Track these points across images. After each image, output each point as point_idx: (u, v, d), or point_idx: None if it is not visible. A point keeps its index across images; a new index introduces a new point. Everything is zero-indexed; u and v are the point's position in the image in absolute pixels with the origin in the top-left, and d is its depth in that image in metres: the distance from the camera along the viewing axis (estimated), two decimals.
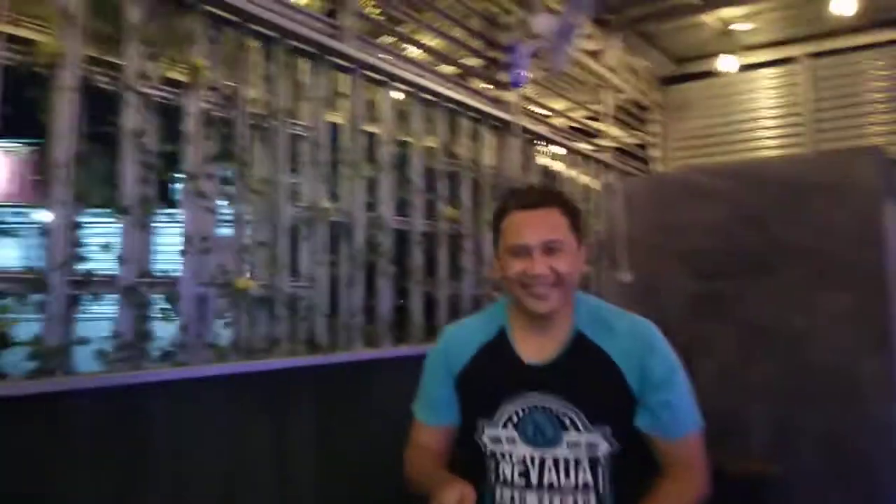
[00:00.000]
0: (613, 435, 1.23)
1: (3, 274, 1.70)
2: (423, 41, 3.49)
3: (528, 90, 3.87)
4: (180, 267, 2.02)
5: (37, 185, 1.74)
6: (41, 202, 1.75)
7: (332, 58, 2.52)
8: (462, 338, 1.38)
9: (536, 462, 1.24)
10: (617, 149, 4.94)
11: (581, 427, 1.23)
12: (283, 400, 2.16)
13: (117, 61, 1.87)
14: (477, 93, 3.42)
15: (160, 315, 1.98)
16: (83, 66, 1.78)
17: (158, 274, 1.97)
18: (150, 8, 1.95)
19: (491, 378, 1.30)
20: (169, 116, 2.00)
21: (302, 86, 2.47)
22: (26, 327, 1.74)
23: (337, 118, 2.64)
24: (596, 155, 4.57)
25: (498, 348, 1.32)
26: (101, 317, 1.90)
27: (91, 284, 1.80)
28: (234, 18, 2.17)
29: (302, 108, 2.45)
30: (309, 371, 2.23)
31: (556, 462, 1.23)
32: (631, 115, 5.31)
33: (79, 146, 1.77)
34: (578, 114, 4.76)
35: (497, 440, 1.28)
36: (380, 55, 2.75)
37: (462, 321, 1.47)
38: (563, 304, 1.26)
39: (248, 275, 2.18)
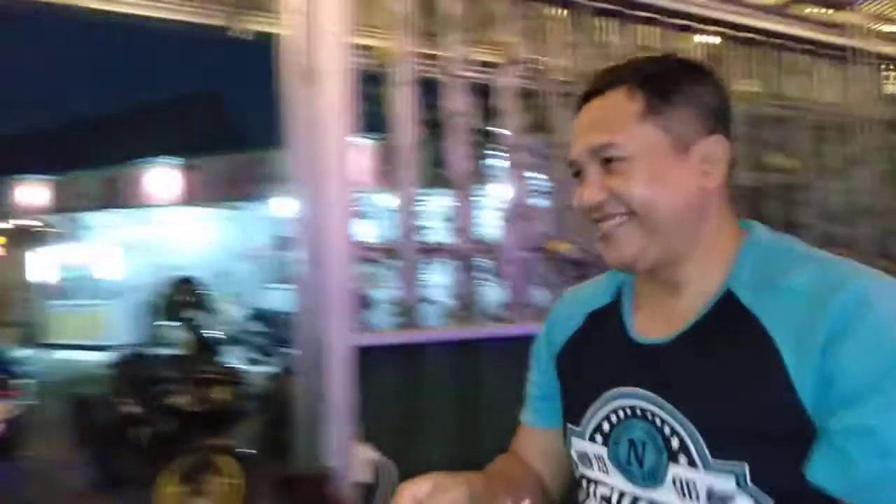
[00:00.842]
0: (756, 481, 0.64)
1: (367, 247, 2.05)
2: None
3: (874, 6, 3.21)
4: (502, 234, 2.20)
5: (383, 172, 2.07)
6: (388, 186, 2.07)
7: (636, 11, 2.44)
8: (572, 305, 0.92)
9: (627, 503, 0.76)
10: None
11: (696, 457, 0.68)
12: None
13: (438, 52, 2.10)
14: (807, 20, 2.97)
15: (488, 277, 2.20)
16: (414, 62, 2.04)
17: (484, 241, 2.18)
18: None
19: (588, 363, 0.85)
20: (484, 95, 2.18)
21: (604, 45, 2.45)
22: (386, 292, 2.12)
23: None
24: None
25: (607, 319, 0.85)
26: (437, 283, 2.19)
27: (431, 252, 2.08)
28: None
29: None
30: None
31: None
32: None
33: (416, 133, 2.03)
34: None
35: (585, 459, 0.82)
36: None
37: (587, 282, 0.98)
38: (656, 251, 0.72)
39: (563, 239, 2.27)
